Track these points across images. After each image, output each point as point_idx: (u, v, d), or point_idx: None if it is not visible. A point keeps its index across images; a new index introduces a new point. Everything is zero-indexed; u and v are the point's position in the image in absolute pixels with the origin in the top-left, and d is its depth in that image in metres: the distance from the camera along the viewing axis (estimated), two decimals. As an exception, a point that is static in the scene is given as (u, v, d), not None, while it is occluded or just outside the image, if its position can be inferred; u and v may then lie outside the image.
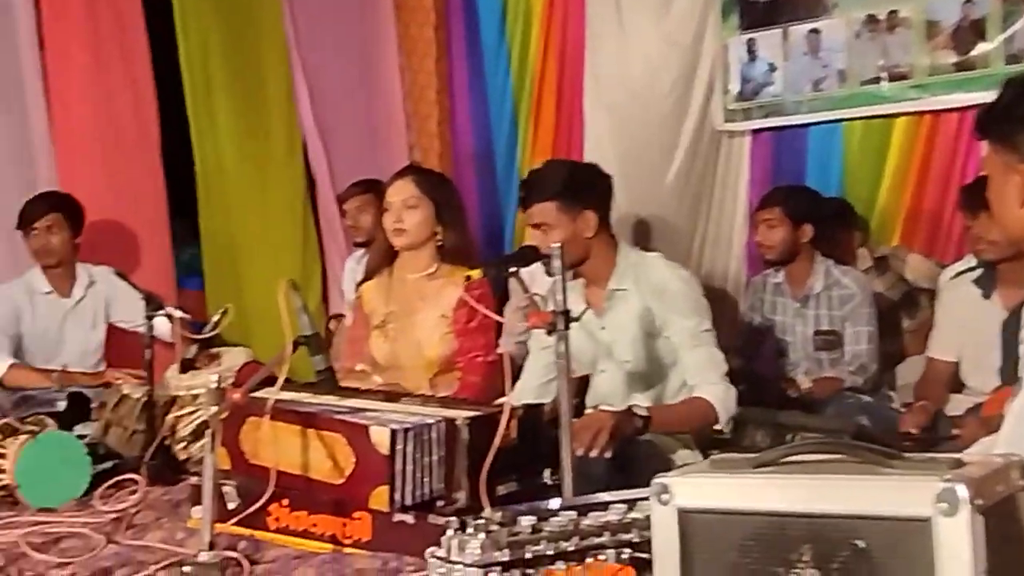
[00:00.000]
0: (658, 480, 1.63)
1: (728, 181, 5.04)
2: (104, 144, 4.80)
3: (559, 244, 3.08)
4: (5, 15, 4.59)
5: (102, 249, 4.61)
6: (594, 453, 2.80)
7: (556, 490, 2.88)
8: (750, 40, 4.89)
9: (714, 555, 1.58)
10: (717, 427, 3.20)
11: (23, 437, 3.28)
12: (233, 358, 3.96)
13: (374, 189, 4.30)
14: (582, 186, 3.27)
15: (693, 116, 5.09)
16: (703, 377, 3.14)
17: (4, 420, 3.39)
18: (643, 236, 4.90)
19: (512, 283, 4.23)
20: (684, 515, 1.61)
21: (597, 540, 2.17)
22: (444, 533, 2.62)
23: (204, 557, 2.58)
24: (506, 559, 2.05)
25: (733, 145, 5.04)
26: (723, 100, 4.98)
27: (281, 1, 5.14)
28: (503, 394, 3.47)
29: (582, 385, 3.44)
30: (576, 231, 3.21)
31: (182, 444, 3.61)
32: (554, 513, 2.20)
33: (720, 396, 3.12)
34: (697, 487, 1.61)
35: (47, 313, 4.36)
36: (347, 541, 2.75)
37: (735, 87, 4.94)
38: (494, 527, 2.09)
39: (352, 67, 5.35)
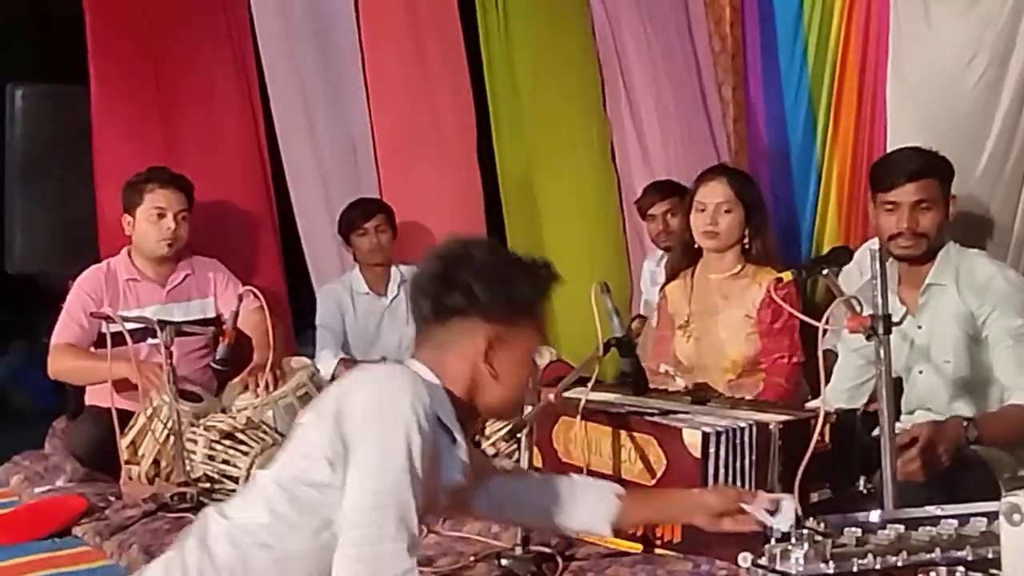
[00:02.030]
0: (1009, 499, 1.55)
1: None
2: (423, 149, 4.93)
3: (937, 222, 3.05)
4: (329, 29, 4.81)
5: (419, 251, 4.80)
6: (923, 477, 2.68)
7: (871, 499, 2.79)
8: (1084, 15, 4.50)
9: (1074, 582, 1.48)
10: None
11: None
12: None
13: (678, 192, 4.25)
14: (951, 170, 3.16)
15: (1006, 102, 4.74)
16: (1018, 380, 2.94)
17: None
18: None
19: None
20: (1038, 538, 1.51)
21: (927, 556, 2.08)
22: (756, 539, 2.61)
23: (520, 551, 2.68)
24: (831, 572, 2.01)
25: (1059, 130, 4.66)
26: (1051, 83, 4.61)
27: None
28: (808, 398, 3.41)
29: (896, 389, 3.30)
30: (946, 215, 3.10)
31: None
32: (880, 526, 2.13)
33: None
34: (1054, 509, 1.51)
35: (365, 312, 4.60)
36: (657, 542, 2.78)
37: (1063, 68, 4.57)
38: (818, 538, 2.04)
39: (667, 63, 5.14)
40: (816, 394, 3.42)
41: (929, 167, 3.10)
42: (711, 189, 3.55)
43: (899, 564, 2.06)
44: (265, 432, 3.50)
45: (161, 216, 3.98)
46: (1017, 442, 3.02)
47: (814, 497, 2.75)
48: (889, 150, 4.75)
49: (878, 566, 2.05)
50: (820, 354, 2.73)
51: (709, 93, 5.23)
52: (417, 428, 1.85)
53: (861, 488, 2.86)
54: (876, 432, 3.04)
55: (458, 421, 2.01)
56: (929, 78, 4.80)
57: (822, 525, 2.06)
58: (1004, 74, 4.69)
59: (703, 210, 3.54)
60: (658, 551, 2.77)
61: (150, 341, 3.67)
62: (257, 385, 3.70)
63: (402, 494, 1.83)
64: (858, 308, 2.69)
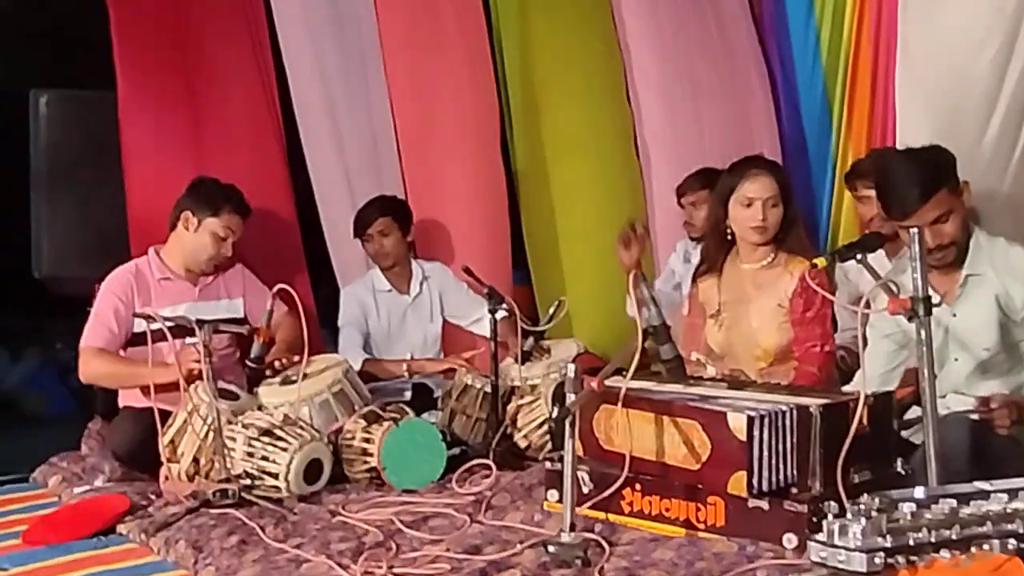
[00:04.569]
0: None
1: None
2: (446, 143, 4.94)
3: (959, 224, 3.07)
4: (349, 24, 4.84)
5: (443, 245, 4.88)
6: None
7: (909, 480, 2.83)
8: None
9: None
10: None
11: (386, 424, 3.55)
12: (565, 349, 4.11)
13: (713, 183, 4.24)
14: (951, 161, 3.15)
15: (1011, 83, 4.78)
16: None
17: (369, 408, 3.68)
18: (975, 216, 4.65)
19: (838, 277, 4.17)
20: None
21: (980, 530, 2.14)
22: (798, 520, 2.66)
23: (566, 537, 2.72)
24: (888, 545, 2.06)
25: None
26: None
27: None
28: (840, 384, 3.46)
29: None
30: (963, 208, 3.11)
31: (523, 432, 3.81)
32: (933, 501, 2.17)
33: None
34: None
35: (388, 310, 4.64)
36: (701, 526, 2.82)
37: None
38: (874, 513, 2.09)
39: (701, 45, 5.10)
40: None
41: (933, 179, 3.06)
42: (760, 184, 3.55)
43: (953, 538, 2.11)
44: (302, 428, 3.53)
45: (224, 239, 4.04)
46: None
47: (855, 478, 2.80)
48: (899, 135, 4.83)
49: (932, 540, 2.10)
50: (860, 337, 2.78)
51: (745, 74, 5.21)
52: None
53: (899, 469, 2.92)
54: (907, 416, 3.12)
55: None
56: (936, 63, 4.85)
57: (877, 501, 2.10)
58: (1009, 60, 4.74)
59: (749, 205, 3.54)
60: (701, 534, 2.81)
61: (187, 340, 3.69)
62: (283, 367, 3.79)
63: None
64: (895, 291, 2.74)
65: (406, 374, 4.33)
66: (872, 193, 3.95)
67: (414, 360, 4.42)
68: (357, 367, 4.30)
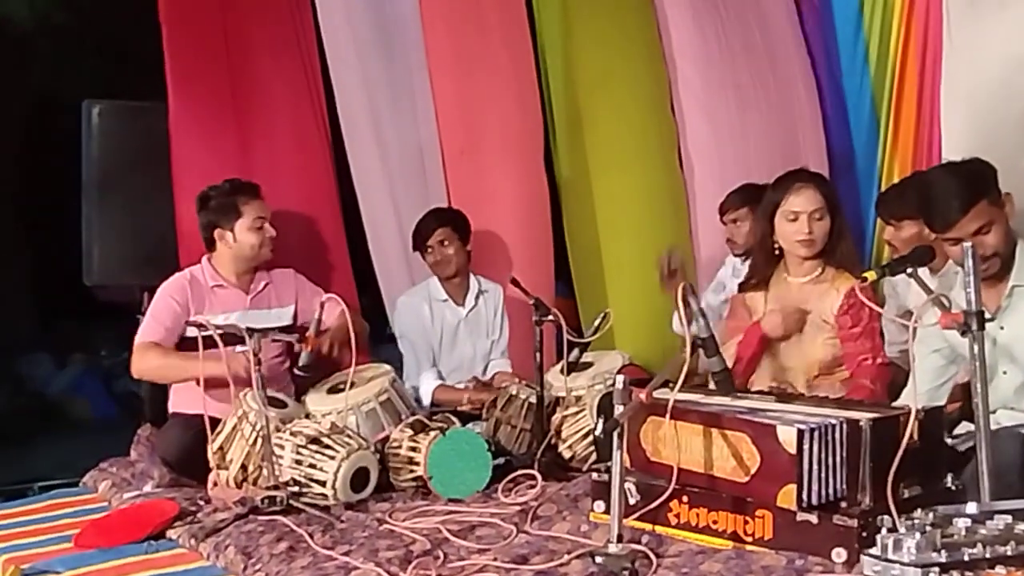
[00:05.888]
0: None
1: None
2: (491, 154, 4.98)
3: (1001, 235, 3.06)
4: (395, 36, 4.88)
5: (487, 258, 4.89)
6: None
7: (959, 496, 2.82)
8: None
9: None
10: None
11: (433, 434, 3.57)
12: (610, 361, 4.12)
13: (754, 199, 4.22)
14: (991, 172, 3.15)
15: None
16: None
17: (415, 418, 3.70)
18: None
19: (886, 291, 4.16)
20: None
21: (1035, 546, 2.13)
22: (848, 534, 2.64)
23: (614, 548, 2.72)
24: (943, 560, 2.05)
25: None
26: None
27: None
28: (891, 398, 3.44)
29: (967, 391, 3.33)
30: (1005, 219, 3.11)
31: (567, 443, 3.81)
32: (988, 516, 2.16)
33: None
34: None
35: (442, 320, 4.65)
36: (748, 538, 2.81)
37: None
38: (928, 528, 2.08)
39: (746, 53, 5.11)
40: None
41: (972, 190, 3.07)
42: (805, 198, 3.55)
43: (1008, 553, 2.09)
44: (349, 436, 3.56)
45: (261, 226, 4.11)
46: None
47: (905, 493, 2.78)
48: (944, 153, 4.81)
49: (988, 555, 2.09)
50: (911, 352, 2.77)
51: (792, 87, 5.22)
52: None
53: (949, 485, 2.90)
54: (957, 431, 3.11)
55: None
56: (979, 78, 4.84)
57: (931, 515, 2.10)
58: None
59: (795, 219, 3.54)
60: (748, 547, 2.80)
61: (238, 348, 3.73)
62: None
63: None
64: (947, 305, 2.73)
65: (467, 405, 4.30)
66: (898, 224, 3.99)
67: (474, 390, 4.43)
68: (431, 389, 4.36)
